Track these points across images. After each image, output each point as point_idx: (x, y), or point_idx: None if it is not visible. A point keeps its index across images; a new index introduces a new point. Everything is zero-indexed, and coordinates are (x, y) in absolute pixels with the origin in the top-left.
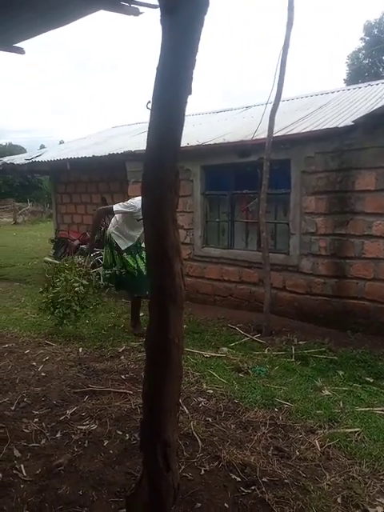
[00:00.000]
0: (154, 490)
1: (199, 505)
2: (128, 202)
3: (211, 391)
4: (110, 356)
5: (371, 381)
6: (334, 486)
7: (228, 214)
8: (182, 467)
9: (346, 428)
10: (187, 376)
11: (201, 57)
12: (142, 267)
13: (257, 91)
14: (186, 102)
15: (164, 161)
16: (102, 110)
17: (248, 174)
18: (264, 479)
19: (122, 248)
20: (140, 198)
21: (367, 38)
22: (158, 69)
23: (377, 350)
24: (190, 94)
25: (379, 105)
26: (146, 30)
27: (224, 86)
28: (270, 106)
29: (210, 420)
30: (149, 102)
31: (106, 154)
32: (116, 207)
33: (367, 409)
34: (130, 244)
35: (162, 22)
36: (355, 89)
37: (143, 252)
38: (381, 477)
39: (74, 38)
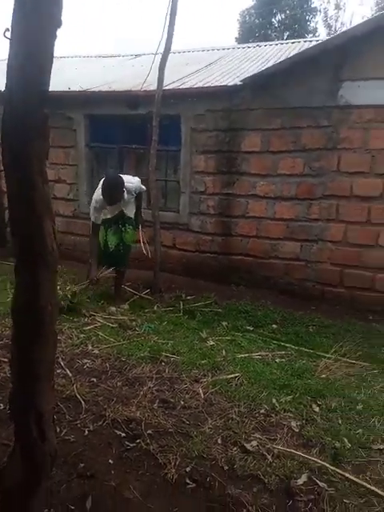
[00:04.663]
0: (29, 461)
1: (82, 465)
2: (92, 202)
3: (97, 352)
4: None
5: (251, 329)
6: (215, 429)
7: (117, 169)
8: (64, 431)
9: (228, 374)
10: (71, 338)
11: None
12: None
13: (147, 39)
14: (54, 35)
15: (28, 102)
16: None
17: (138, 128)
18: (149, 431)
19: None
20: (97, 190)
21: None
22: None
23: (256, 301)
24: (59, 26)
25: (266, 66)
26: None
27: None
28: (159, 57)
29: (95, 380)
30: (7, 29)
31: None
32: (92, 218)
33: (246, 355)
34: (109, 216)
35: None
36: (245, 48)
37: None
38: (256, 415)
39: None
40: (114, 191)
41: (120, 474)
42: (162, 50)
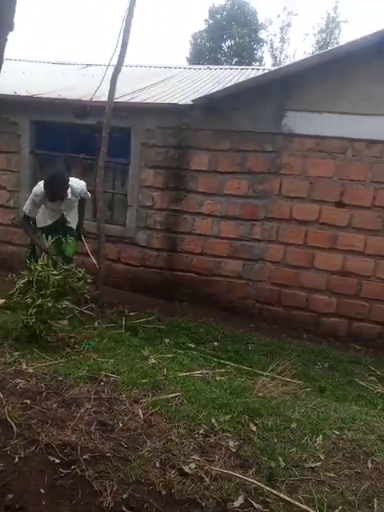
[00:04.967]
0: None
1: (11, 496)
2: (31, 195)
3: (32, 371)
4: None
5: (193, 346)
6: (154, 452)
7: None
8: None
9: (168, 394)
10: (4, 356)
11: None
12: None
13: (98, 51)
14: (5, 39)
15: None
16: None
17: (87, 138)
18: (85, 456)
19: (39, 225)
20: (39, 184)
21: (210, 22)
22: None
23: (199, 318)
24: (11, 30)
25: (216, 90)
26: None
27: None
28: (111, 69)
29: (29, 402)
30: None
31: None
32: (25, 210)
33: (187, 373)
34: (50, 222)
35: None
36: (196, 69)
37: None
38: (196, 436)
39: None
40: (57, 185)
41: (52, 504)
42: (114, 61)
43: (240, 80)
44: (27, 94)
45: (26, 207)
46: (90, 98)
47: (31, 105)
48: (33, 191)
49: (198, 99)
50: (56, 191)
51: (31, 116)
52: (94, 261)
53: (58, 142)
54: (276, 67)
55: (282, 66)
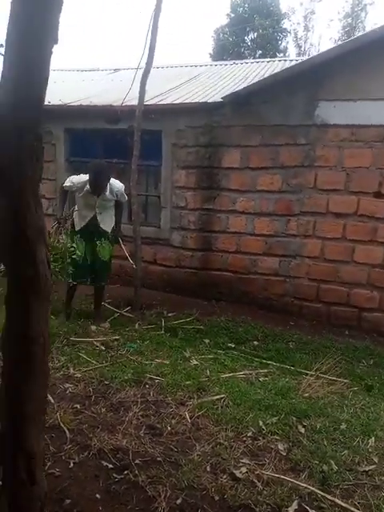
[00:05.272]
0: (16, 507)
1: (68, 501)
2: (70, 178)
3: (79, 375)
4: None
5: (233, 346)
6: (204, 456)
7: None
8: (49, 463)
9: (213, 395)
10: (52, 361)
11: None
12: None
13: (125, 54)
14: (50, 52)
15: (22, 122)
16: None
17: (119, 142)
18: (137, 461)
19: (76, 228)
20: (81, 175)
21: (232, 15)
22: (13, 3)
23: (237, 317)
24: (56, 42)
25: (244, 85)
26: None
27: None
28: (140, 71)
29: (79, 406)
30: (1, 45)
31: None
32: (64, 184)
33: (230, 374)
34: (83, 224)
35: None
36: (222, 65)
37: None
38: (244, 438)
39: None
40: (101, 178)
41: (108, 509)
42: (142, 64)
43: (267, 73)
44: (61, 103)
45: (65, 183)
46: (120, 103)
47: (65, 113)
48: (71, 178)
49: (227, 96)
50: (99, 183)
51: (65, 124)
52: (132, 263)
53: (92, 148)
54: (301, 57)
55: (307, 55)
